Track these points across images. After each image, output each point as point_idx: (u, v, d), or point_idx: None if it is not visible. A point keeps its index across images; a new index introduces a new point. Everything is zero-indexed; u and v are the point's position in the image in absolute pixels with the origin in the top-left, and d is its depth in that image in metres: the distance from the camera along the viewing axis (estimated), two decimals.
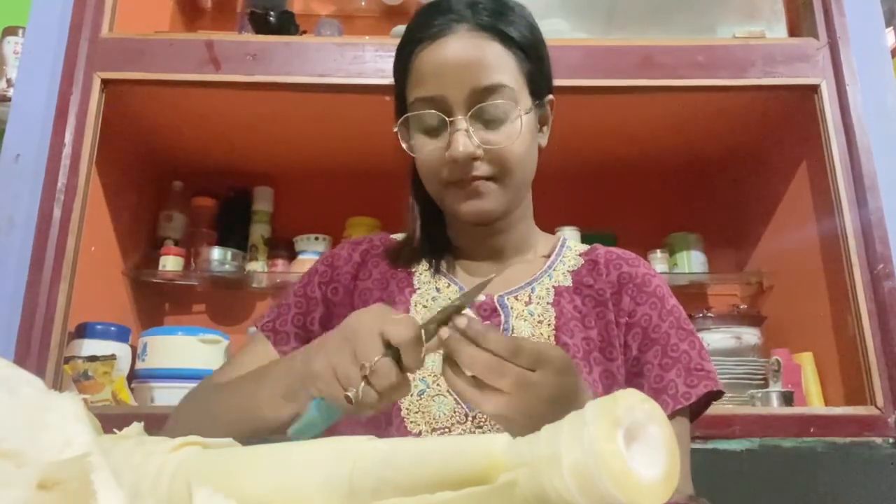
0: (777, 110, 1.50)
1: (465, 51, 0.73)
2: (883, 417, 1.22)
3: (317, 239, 1.73)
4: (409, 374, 0.56)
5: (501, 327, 0.78)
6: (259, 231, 1.78)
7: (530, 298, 0.80)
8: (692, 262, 1.70)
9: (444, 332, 0.54)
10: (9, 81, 1.66)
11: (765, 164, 1.66)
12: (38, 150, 1.32)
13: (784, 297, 1.58)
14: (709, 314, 1.57)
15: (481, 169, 0.74)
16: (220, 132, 1.63)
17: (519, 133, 0.74)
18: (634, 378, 0.78)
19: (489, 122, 0.74)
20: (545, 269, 0.84)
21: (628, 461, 0.33)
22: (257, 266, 1.73)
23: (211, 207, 1.81)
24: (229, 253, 1.70)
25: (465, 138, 0.72)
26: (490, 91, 0.73)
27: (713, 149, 1.72)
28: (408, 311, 0.81)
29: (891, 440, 1.21)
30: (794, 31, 1.52)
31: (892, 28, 1.86)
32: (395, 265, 0.86)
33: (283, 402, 0.61)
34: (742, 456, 1.20)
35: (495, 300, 0.80)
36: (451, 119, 0.74)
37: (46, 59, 1.38)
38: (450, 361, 0.55)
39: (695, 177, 1.84)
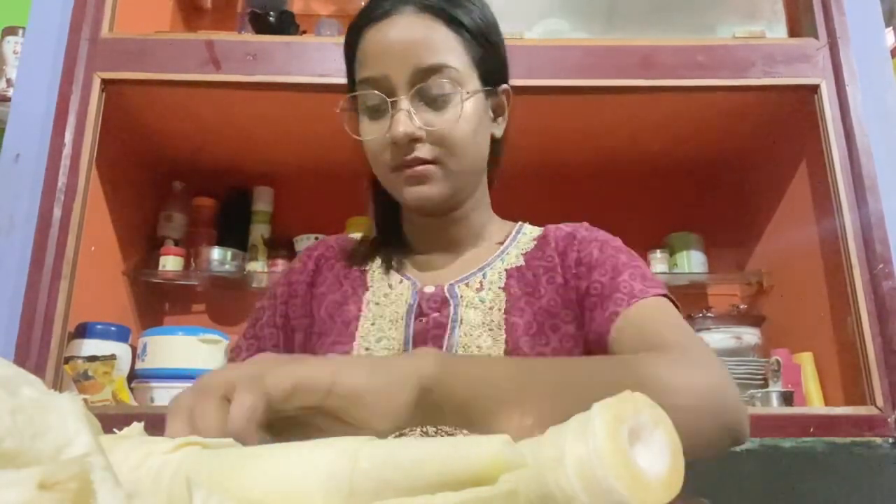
0: (777, 110, 1.50)
1: (409, 31, 0.72)
2: (883, 417, 1.21)
3: (317, 239, 1.72)
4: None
5: (450, 318, 0.75)
6: (259, 231, 1.78)
7: (482, 284, 0.78)
8: (692, 262, 1.70)
9: None
10: (9, 81, 1.66)
11: (765, 165, 1.65)
12: (38, 150, 1.32)
13: (784, 297, 1.58)
14: (709, 314, 1.57)
15: (423, 150, 0.72)
16: (220, 132, 1.63)
17: (461, 115, 0.72)
18: (589, 311, 0.73)
19: (432, 103, 0.72)
20: (498, 254, 0.81)
21: (633, 458, 0.33)
22: (257, 266, 1.73)
23: (211, 207, 1.81)
24: (229, 253, 1.70)
25: (406, 118, 0.70)
26: (433, 70, 0.71)
27: (713, 149, 1.71)
28: (360, 309, 0.79)
29: (891, 440, 1.21)
30: (794, 31, 1.52)
31: (891, 28, 1.86)
32: (349, 265, 0.84)
33: None
34: (742, 456, 1.20)
35: (445, 290, 0.77)
36: (392, 99, 0.72)
37: (46, 59, 1.38)
38: None
39: (695, 177, 1.84)
